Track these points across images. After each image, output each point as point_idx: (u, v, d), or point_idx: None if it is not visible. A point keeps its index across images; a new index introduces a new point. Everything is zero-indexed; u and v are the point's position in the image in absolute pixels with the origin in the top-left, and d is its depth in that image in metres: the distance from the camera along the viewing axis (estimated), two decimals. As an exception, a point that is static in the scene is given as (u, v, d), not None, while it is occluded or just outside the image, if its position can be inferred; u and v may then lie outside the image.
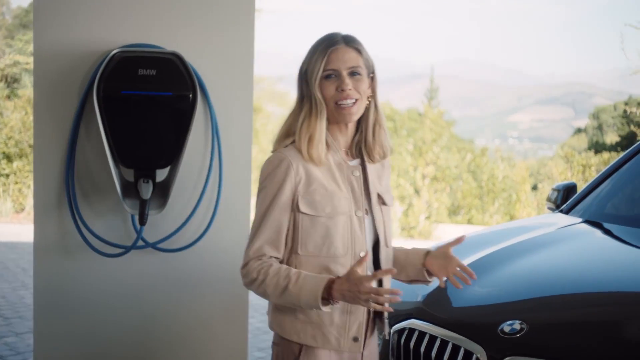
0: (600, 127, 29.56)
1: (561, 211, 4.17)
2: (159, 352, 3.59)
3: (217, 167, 3.53)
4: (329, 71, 2.40)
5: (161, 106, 3.29)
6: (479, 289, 2.95)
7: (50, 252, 3.47)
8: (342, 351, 2.43)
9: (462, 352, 2.73)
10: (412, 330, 2.98)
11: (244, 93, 3.57)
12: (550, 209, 4.35)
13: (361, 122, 2.50)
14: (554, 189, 4.38)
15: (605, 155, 14.13)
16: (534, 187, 19.31)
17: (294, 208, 2.40)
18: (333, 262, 2.39)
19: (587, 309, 2.84)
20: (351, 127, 2.49)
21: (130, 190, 3.39)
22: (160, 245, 3.51)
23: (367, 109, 2.48)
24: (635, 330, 2.64)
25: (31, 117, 13.71)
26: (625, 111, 14.70)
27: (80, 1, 3.40)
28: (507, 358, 2.59)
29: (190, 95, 3.30)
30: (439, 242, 2.87)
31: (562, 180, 13.34)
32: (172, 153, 3.33)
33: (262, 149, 19.18)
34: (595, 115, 30.92)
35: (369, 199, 2.49)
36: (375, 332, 2.59)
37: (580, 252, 3.36)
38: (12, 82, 19.56)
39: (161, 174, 3.42)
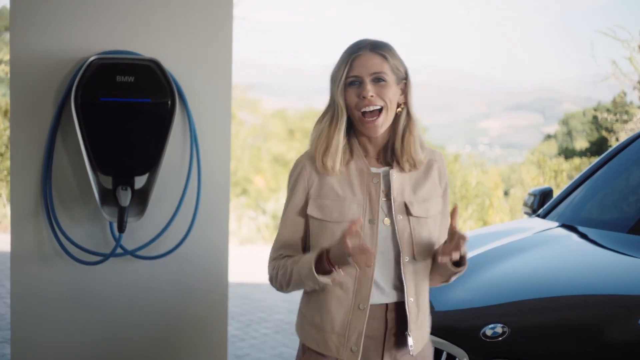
0: (569, 133, 29.83)
1: (538, 216, 4.21)
2: (138, 361, 3.56)
3: (196, 174, 3.52)
4: (351, 78, 2.34)
5: (140, 113, 3.27)
6: (461, 293, 2.97)
7: (27, 261, 3.43)
8: None
9: (444, 356, 2.75)
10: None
11: (222, 99, 3.56)
12: (526, 213, 4.38)
13: (392, 129, 2.42)
14: (530, 194, 4.42)
15: (577, 160, 14.26)
16: (506, 193, 19.43)
17: (306, 211, 2.41)
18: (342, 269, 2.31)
19: (566, 312, 2.89)
20: (381, 134, 2.40)
21: (108, 197, 3.37)
22: (139, 253, 3.49)
23: (397, 116, 2.40)
24: (614, 333, 2.67)
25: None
26: (595, 117, 14.88)
27: (57, 8, 3.38)
28: (490, 361, 2.61)
29: (169, 102, 3.29)
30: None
31: (534, 185, 13.46)
32: (150, 160, 3.31)
33: (235, 156, 19.13)
34: (565, 122, 31.21)
35: (390, 207, 2.39)
36: (408, 349, 2.39)
37: (558, 256, 3.40)
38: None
39: (140, 181, 3.40)
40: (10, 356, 3.52)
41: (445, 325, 2.87)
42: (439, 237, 2.44)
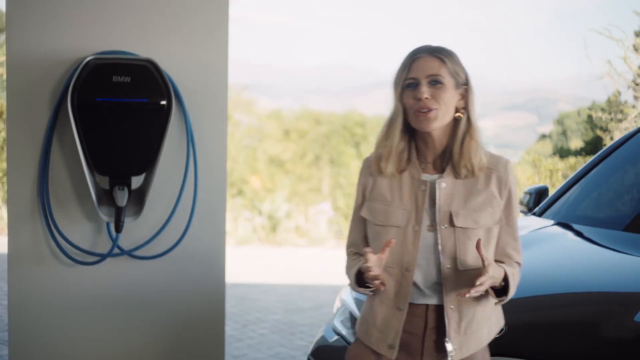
0: (564, 133, 29.86)
1: (534, 214, 4.22)
2: (136, 361, 3.57)
3: (193, 174, 3.52)
4: (409, 80, 2.36)
5: (136, 113, 3.28)
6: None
7: (24, 261, 3.44)
8: (380, 354, 2.45)
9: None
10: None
11: (219, 99, 3.57)
12: (522, 212, 4.40)
13: (451, 134, 2.41)
14: (526, 193, 4.43)
15: (572, 160, 14.26)
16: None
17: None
18: (383, 271, 2.34)
19: (563, 309, 2.91)
20: (439, 139, 2.41)
21: (105, 197, 3.38)
22: (136, 253, 3.49)
23: (457, 122, 2.40)
24: (611, 330, 2.69)
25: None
26: (590, 117, 14.89)
27: (53, 8, 3.38)
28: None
29: (165, 102, 3.30)
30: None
31: (529, 184, 13.48)
32: (147, 160, 3.32)
33: (230, 157, 19.12)
34: (560, 121, 31.24)
35: (434, 215, 2.39)
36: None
37: (554, 254, 3.41)
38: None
39: (137, 181, 3.41)
40: (7, 357, 3.52)
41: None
42: (499, 245, 2.45)
